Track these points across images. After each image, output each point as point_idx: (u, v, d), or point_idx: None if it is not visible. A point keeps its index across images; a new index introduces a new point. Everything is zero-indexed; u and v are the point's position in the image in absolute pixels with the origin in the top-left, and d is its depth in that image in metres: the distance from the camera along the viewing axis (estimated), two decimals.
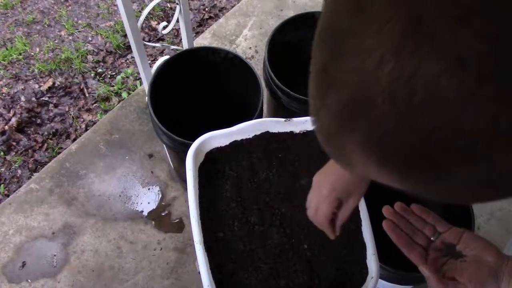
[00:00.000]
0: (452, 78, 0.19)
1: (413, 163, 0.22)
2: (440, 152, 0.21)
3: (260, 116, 1.08)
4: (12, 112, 1.66)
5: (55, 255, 1.27)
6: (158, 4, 1.34)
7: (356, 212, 0.80)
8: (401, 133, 0.21)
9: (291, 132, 0.88)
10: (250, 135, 0.88)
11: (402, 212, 0.67)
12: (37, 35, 1.88)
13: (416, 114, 0.20)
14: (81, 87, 1.74)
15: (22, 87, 1.72)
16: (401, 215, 0.67)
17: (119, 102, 1.65)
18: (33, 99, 1.69)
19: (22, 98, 1.69)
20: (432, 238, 0.64)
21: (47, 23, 1.92)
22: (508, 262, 0.55)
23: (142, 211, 1.35)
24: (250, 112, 1.06)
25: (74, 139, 1.58)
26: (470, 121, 0.19)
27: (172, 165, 1.40)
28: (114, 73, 1.80)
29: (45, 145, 1.60)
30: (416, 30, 0.19)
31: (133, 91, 1.67)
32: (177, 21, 1.25)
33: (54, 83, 1.74)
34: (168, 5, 2.00)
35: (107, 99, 1.72)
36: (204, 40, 1.71)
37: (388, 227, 0.65)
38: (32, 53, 1.81)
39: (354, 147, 0.23)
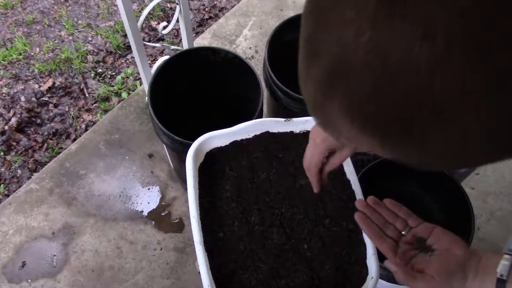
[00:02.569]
0: (423, 46, 0.20)
1: (390, 126, 0.24)
2: (414, 115, 0.22)
3: (260, 116, 1.08)
4: (12, 112, 1.66)
5: (55, 255, 1.27)
6: (158, 4, 1.34)
7: (356, 212, 0.80)
8: (379, 98, 0.23)
9: (291, 132, 0.88)
10: (250, 135, 0.88)
11: (374, 205, 0.68)
12: (37, 35, 1.88)
13: (391, 80, 0.22)
14: (81, 87, 1.74)
15: (22, 87, 1.72)
16: (374, 208, 0.68)
17: (119, 102, 1.65)
18: (33, 99, 1.69)
19: (22, 98, 1.69)
20: (403, 232, 0.65)
21: (47, 23, 1.92)
22: (476, 257, 0.57)
23: (142, 211, 1.35)
24: (250, 112, 1.06)
25: (74, 139, 1.58)
26: (440, 86, 0.21)
27: (172, 165, 1.40)
28: (114, 73, 1.80)
29: (45, 145, 1.60)
30: (390, 3, 0.21)
31: (133, 91, 1.67)
32: (177, 21, 1.25)
33: (54, 83, 1.74)
34: (168, 5, 2.00)
35: (107, 99, 1.72)
36: (204, 40, 1.71)
37: (360, 218, 0.66)
38: (32, 53, 1.81)
39: (338, 113, 0.25)
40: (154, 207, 1.36)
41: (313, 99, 0.27)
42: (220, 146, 0.86)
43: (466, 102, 0.21)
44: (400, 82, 0.21)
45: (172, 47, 1.35)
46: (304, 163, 0.70)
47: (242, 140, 0.87)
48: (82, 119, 1.67)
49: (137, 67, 1.44)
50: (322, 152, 0.66)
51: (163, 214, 1.34)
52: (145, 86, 1.40)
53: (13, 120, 1.63)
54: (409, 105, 0.22)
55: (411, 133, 0.24)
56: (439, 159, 0.27)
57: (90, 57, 1.82)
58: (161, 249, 1.28)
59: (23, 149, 1.58)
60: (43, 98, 1.70)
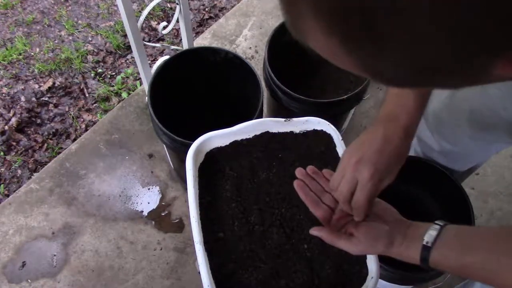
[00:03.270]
0: None
1: (352, 24, 0.25)
2: (374, 6, 0.23)
3: (260, 116, 1.08)
4: (12, 112, 1.66)
5: (55, 255, 1.27)
6: (158, 4, 1.34)
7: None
8: None
9: (291, 132, 0.88)
10: (250, 135, 0.88)
11: (313, 174, 0.69)
12: (37, 35, 1.88)
13: None
14: (81, 87, 1.74)
15: (22, 87, 1.72)
16: (312, 177, 0.69)
17: (119, 102, 1.65)
18: (33, 99, 1.69)
19: (22, 98, 1.69)
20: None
21: (47, 23, 1.92)
22: (405, 224, 0.58)
23: (142, 211, 1.35)
24: (250, 112, 1.06)
25: (74, 139, 1.58)
26: None
27: (172, 165, 1.40)
28: (114, 73, 1.80)
29: (45, 145, 1.60)
30: None
31: (133, 91, 1.67)
32: (177, 21, 1.25)
33: (54, 83, 1.74)
34: (168, 5, 2.00)
35: (107, 99, 1.72)
36: (204, 40, 1.71)
37: (298, 185, 0.67)
38: (32, 53, 1.81)
39: (305, 7, 0.26)
40: (154, 207, 1.36)
41: (287, 1, 0.28)
42: (220, 146, 0.86)
43: (421, 2, 0.22)
44: None
45: (172, 47, 1.35)
46: (346, 200, 0.61)
47: (242, 140, 0.87)
48: (82, 119, 1.67)
49: (137, 67, 1.44)
50: (374, 185, 0.59)
51: (163, 214, 1.34)
52: (145, 86, 1.40)
53: (13, 120, 1.63)
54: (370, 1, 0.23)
55: (371, 33, 0.25)
56: (397, 67, 0.28)
57: (90, 57, 1.82)
58: (161, 249, 1.28)
59: (23, 149, 1.58)
60: (43, 98, 1.70)
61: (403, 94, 0.63)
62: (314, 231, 0.62)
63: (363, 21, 0.24)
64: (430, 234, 0.53)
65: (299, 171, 0.69)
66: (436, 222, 0.55)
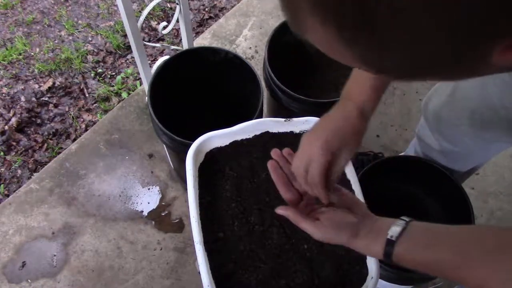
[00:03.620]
0: None
1: (347, 9, 0.25)
2: (372, 7, 0.24)
3: (260, 116, 1.08)
4: (12, 112, 1.66)
5: (55, 255, 1.27)
6: (158, 4, 1.34)
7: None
8: None
9: (291, 132, 0.88)
10: (250, 135, 0.88)
11: (288, 156, 0.69)
12: (37, 35, 1.88)
13: None
14: (81, 87, 1.74)
15: (22, 87, 1.72)
16: (287, 160, 0.68)
17: (119, 102, 1.65)
18: (33, 99, 1.69)
19: (22, 98, 1.69)
20: None
21: (47, 23, 1.92)
22: (372, 218, 0.58)
23: (142, 211, 1.35)
24: (250, 112, 1.06)
25: (74, 139, 1.58)
26: None
27: (172, 165, 1.40)
28: (114, 73, 1.80)
29: (45, 145, 1.60)
30: None
31: (133, 91, 1.67)
32: (177, 21, 1.25)
33: (54, 83, 1.74)
34: (168, 5, 2.00)
35: (107, 99, 1.72)
36: (204, 40, 1.71)
37: (272, 165, 0.67)
38: (32, 53, 1.81)
39: (305, 6, 0.27)
40: (154, 207, 1.36)
41: None
42: (220, 146, 0.86)
43: None
44: None
45: (172, 47, 1.35)
46: (298, 175, 0.63)
47: (242, 140, 0.87)
48: (82, 119, 1.67)
49: (137, 67, 1.44)
50: (325, 156, 0.60)
51: (163, 214, 1.34)
52: (145, 86, 1.40)
53: (13, 120, 1.63)
54: None
55: (366, 22, 0.25)
56: (396, 61, 0.28)
57: (90, 57, 1.82)
58: (161, 249, 1.28)
59: (23, 149, 1.58)
60: (43, 98, 1.70)
61: (362, 73, 0.63)
62: (280, 210, 0.61)
63: (359, 13, 0.25)
64: (395, 229, 0.53)
65: (274, 152, 0.69)
66: (402, 217, 0.54)
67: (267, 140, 0.88)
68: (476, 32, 0.24)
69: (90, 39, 1.89)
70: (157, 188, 1.39)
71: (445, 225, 0.52)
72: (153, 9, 1.88)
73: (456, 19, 0.23)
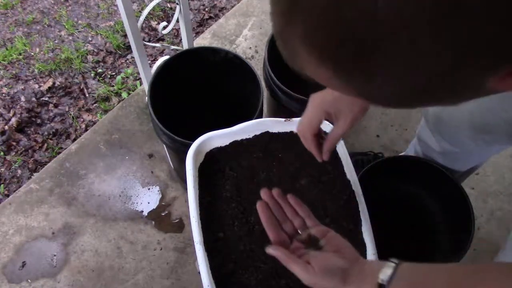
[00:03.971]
0: None
1: (342, 52, 0.26)
2: (361, 39, 0.24)
3: (260, 116, 1.08)
4: (12, 112, 1.66)
5: (55, 255, 1.27)
6: (158, 4, 1.34)
7: (356, 212, 0.80)
8: (331, 21, 0.24)
9: (291, 132, 0.88)
10: (250, 135, 0.88)
11: (278, 198, 0.68)
12: (37, 35, 1.88)
13: (340, 6, 0.23)
14: (81, 87, 1.74)
15: (22, 87, 1.72)
16: (277, 201, 0.68)
17: (119, 102, 1.65)
18: (33, 99, 1.69)
19: (22, 98, 1.69)
20: (299, 231, 0.65)
21: (47, 23, 1.92)
22: (361, 263, 0.57)
23: (142, 211, 1.35)
24: (250, 112, 1.06)
25: (74, 139, 1.58)
26: (385, 10, 0.22)
27: (172, 165, 1.40)
28: (114, 73, 1.80)
29: (45, 145, 1.60)
30: None
31: (133, 91, 1.67)
32: (177, 21, 1.25)
33: (54, 83, 1.74)
34: (168, 5, 2.01)
35: (107, 99, 1.72)
36: (204, 40, 1.71)
37: (261, 207, 0.66)
38: (32, 53, 1.81)
39: (298, 41, 0.27)
40: (154, 207, 1.36)
41: (278, 29, 0.29)
42: (220, 146, 0.86)
43: (408, 29, 0.22)
44: (349, 8, 0.23)
45: (172, 47, 1.35)
46: (298, 128, 0.69)
47: (242, 140, 0.87)
48: (82, 119, 1.67)
49: (137, 67, 1.44)
50: (319, 115, 0.66)
51: (163, 214, 1.34)
52: (145, 86, 1.40)
53: (13, 120, 1.63)
54: (358, 29, 0.23)
55: (360, 62, 0.25)
56: (391, 94, 0.29)
57: (90, 57, 1.82)
58: (161, 249, 1.28)
59: (23, 149, 1.58)
60: (43, 98, 1.70)
61: None
62: (270, 250, 0.61)
63: (354, 52, 0.25)
64: (385, 272, 0.52)
65: (264, 193, 0.68)
66: (391, 259, 0.54)
67: (267, 140, 0.88)
68: (472, 65, 0.24)
69: (90, 39, 1.89)
70: (157, 188, 1.39)
71: (434, 264, 0.52)
72: (153, 9, 1.88)
73: (453, 55, 0.24)
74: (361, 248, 0.77)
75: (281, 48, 0.30)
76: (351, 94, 0.31)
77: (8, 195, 1.43)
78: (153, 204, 1.36)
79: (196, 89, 1.27)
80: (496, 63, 0.24)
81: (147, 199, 1.36)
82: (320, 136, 0.71)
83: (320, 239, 0.62)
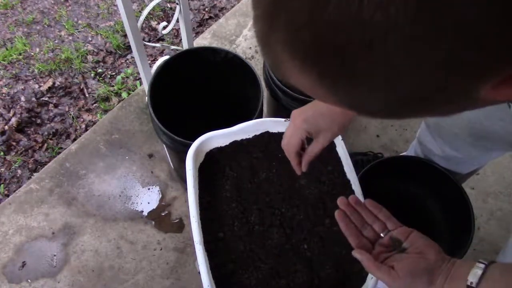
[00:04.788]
0: None
1: (326, 59, 0.25)
2: (345, 44, 0.23)
3: (260, 116, 1.08)
4: (12, 112, 1.66)
5: (55, 255, 1.27)
6: (158, 4, 1.33)
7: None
8: (314, 26, 0.23)
9: None
10: (250, 135, 0.88)
11: (355, 205, 0.69)
12: (37, 35, 1.88)
13: (324, 7, 0.22)
14: (81, 87, 1.74)
15: (22, 87, 1.72)
16: (354, 208, 0.69)
17: (119, 102, 1.65)
18: (33, 99, 1.69)
19: (22, 98, 1.69)
20: (381, 234, 0.65)
21: (47, 23, 1.92)
22: (448, 263, 0.56)
23: (142, 211, 1.35)
24: (250, 112, 1.06)
25: (74, 139, 1.58)
26: (369, 14, 0.21)
27: (172, 165, 1.40)
28: (114, 73, 1.80)
29: (45, 145, 1.60)
30: None
31: (133, 91, 1.67)
32: (177, 21, 1.25)
33: (54, 83, 1.74)
34: (168, 5, 2.00)
35: (107, 99, 1.72)
36: (204, 40, 1.71)
37: (339, 216, 0.67)
38: (32, 53, 1.81)
39: (280, 47, 0.26)
40: (154, 207, 1.36)
41: (260, 34, 0.28)
42: (220, 146, 0.86)
43: (393, 36, 0.21)
44: (332, 11, 0.22)
45: (172, 47, 1.35)
46: (282, 143, 0.72)
47: (242, 140, 0.87)
48: (82, 119, 1.67)
49: (137, 67, 1.44)
50: (300, 133, 0.68)
51: (163, 214, 1.34)
52: (145, 86, 1.40)
53: (13, 120, 1.63)
54: (341, 35, 0.22)
55: (345, 68, 0.24)
56: (376, 103, 0.27)
57: (90, 57, 1.82)
58: (161, 249, 1.28)
59: (23, 149, 1.58)
60: (43, 98, 1.70)
61: None
62: (357, 254, 0.61)
63: (338, 57, 0.24)
64: (475, 273, 0.51)
65: (341, 201, 0.69)
66: (481, 260, 0.53)
67: (267, 140, 0.88)
68: (461, 72, 0.23)
69: (90, 39, 1.89)
70: (157, 188, 1.39)
71: None
72: (153, 9, 1.88)
73: (440, 60, 0.22)
74: None
75: (264, 55, 0.29)
76: (335, 104, 0.30)
77: (8, 195, 1.43)
78: (153, 204, 1.36)
79: (196, 89, 1.27)
80: (486, 70, 0.23)
81: (147, 199, 1.36)
82: (303, 149, 0.72)
83: (403, 241, 0.62)
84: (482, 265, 0.52)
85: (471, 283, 0.51)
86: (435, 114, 0.31)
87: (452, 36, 0.21)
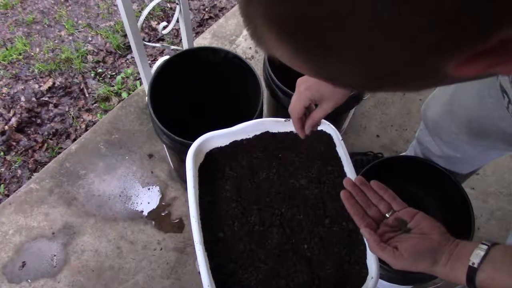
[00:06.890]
0: None
1: (300, 30, 0.25)
2: (318, 17, 0.23)
3: (260, 116, 1.08)
4: (12, 112, 1.66)
5: (55, 255, 1.27)
6: (158, 4, 1.34)
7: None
8: (288, 0, 0.24)
9: (291, 132, 0.88)
10: (250, 135, 0.88)
11: (361, 185, 0.69)
12: (37, 35, 1.88)
13: None
14: (81, 87, 1.74)
15: (22, 87, 1.72)
16: (360, 188, 0.69)
17: (119, 102, 1.65)
18: (33, 99, 1.69)
19: (22, 98, 1.69)
20: (386, 215, 0.65)
21: (47, 23, 1.92)
22: (452, 243, 0.57)
23: (142, 211, 1.35)
24: (250, 112, 1.06)
25: (74, 139, 1.58)
26: None
27: (172, 165, 1.40)
28: (114, 73, 1.80)
29: (45, 145, 1.60)
30: None
31: (133, 91, 1.67)
32: (177, 21, 1.25)
33: (54, 83, 1.74)
34: (168, 5, 2.00)
35: (107, 99, 1.72)
36: (204, 40, 1.71)
37: (345, 195, 0.67)
38: (32, 53, 1.81)
39: (260, 20, 0.27)
40: (154, 207, 1.36)
41: (241, 8, 0.28)
42: (220, 146, 0.86)
43: (362, 11, 0.22)
44: None
45: (172, 47, 1.35)
46: (289, 109, 0.74)
47: (242, 140, 0.87)
48: (82, 119, 1.67)
49: (137, 67, 1.44)
50: (303, 100, 0.70)
51: (163, 214, 1.34)
52: (145, 86, 1.40)
53: (13, 120, 1.63)
54: (314, 9, 0.23)
55: (317, 41, 0.25)
56: (349, 75, 0.28)
57: (90, 57, 1.82)
58: (161, 249, 1.28)
59: (23, 149, 1.58)
60: (43, 98, 1.70)
61: None
62: (365, 233, 0.61)
63: (310, 33, 0.25)
64: (477, 254, 0.52)
65: (347, 181, 0.69)
66: (484, 241, 0.53)
67: (267, 140, 0.88)
68: (424, 49, 0.24)
69: (90, 39, 1.89)
70: (157, 188, 1.39)
71: None
72: (153, 9, 1.88)
73: (406, 37, 0.23)
74: (361, 248, 0.77)
75: (247, 29, 0.30)
76: (314, 76, 0.30)
77: (8, 195, 1.43)
78: (153, 204, 1.36)
79: (196, 89, 1.27)
80: (448, 48, 0.23)
81: (147, 199, 1.36)
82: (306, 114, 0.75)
83: (408, 222, 0.62)
84: (485, 247, 0.52)
85: (473, 263, 0.51)
86: (407, 89, 0.31)
87: (414, 12, 0.21)
